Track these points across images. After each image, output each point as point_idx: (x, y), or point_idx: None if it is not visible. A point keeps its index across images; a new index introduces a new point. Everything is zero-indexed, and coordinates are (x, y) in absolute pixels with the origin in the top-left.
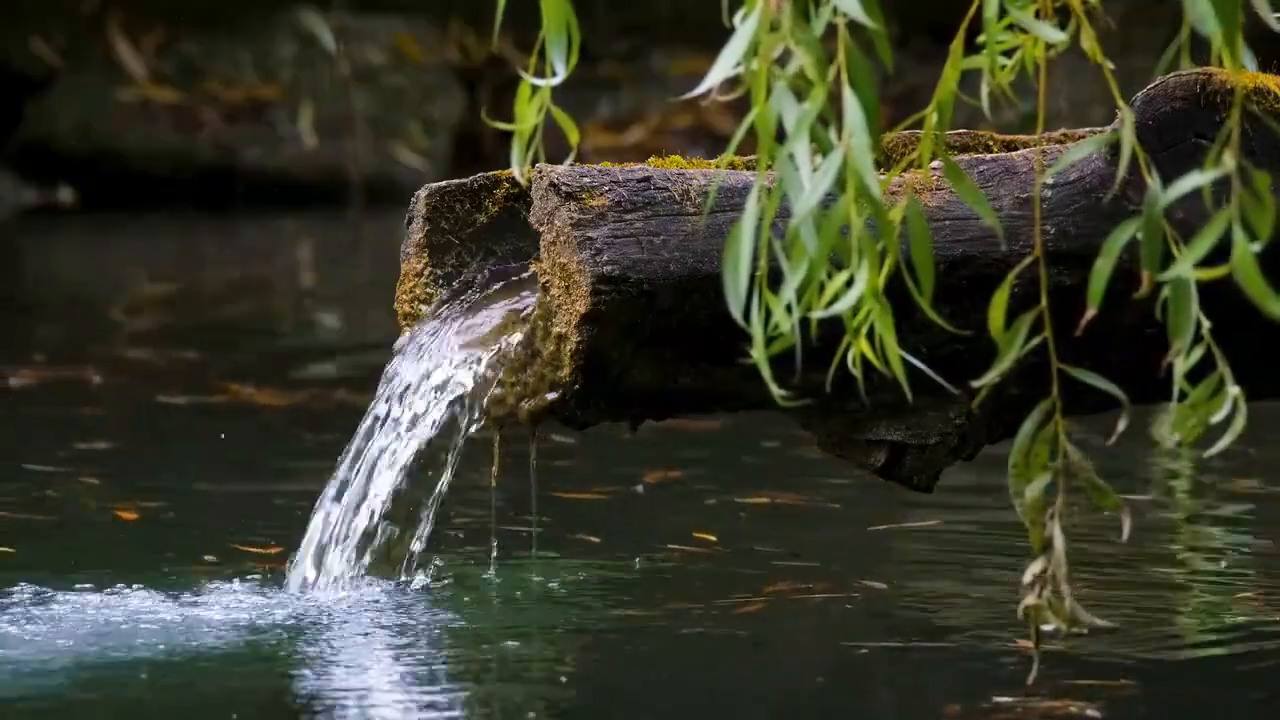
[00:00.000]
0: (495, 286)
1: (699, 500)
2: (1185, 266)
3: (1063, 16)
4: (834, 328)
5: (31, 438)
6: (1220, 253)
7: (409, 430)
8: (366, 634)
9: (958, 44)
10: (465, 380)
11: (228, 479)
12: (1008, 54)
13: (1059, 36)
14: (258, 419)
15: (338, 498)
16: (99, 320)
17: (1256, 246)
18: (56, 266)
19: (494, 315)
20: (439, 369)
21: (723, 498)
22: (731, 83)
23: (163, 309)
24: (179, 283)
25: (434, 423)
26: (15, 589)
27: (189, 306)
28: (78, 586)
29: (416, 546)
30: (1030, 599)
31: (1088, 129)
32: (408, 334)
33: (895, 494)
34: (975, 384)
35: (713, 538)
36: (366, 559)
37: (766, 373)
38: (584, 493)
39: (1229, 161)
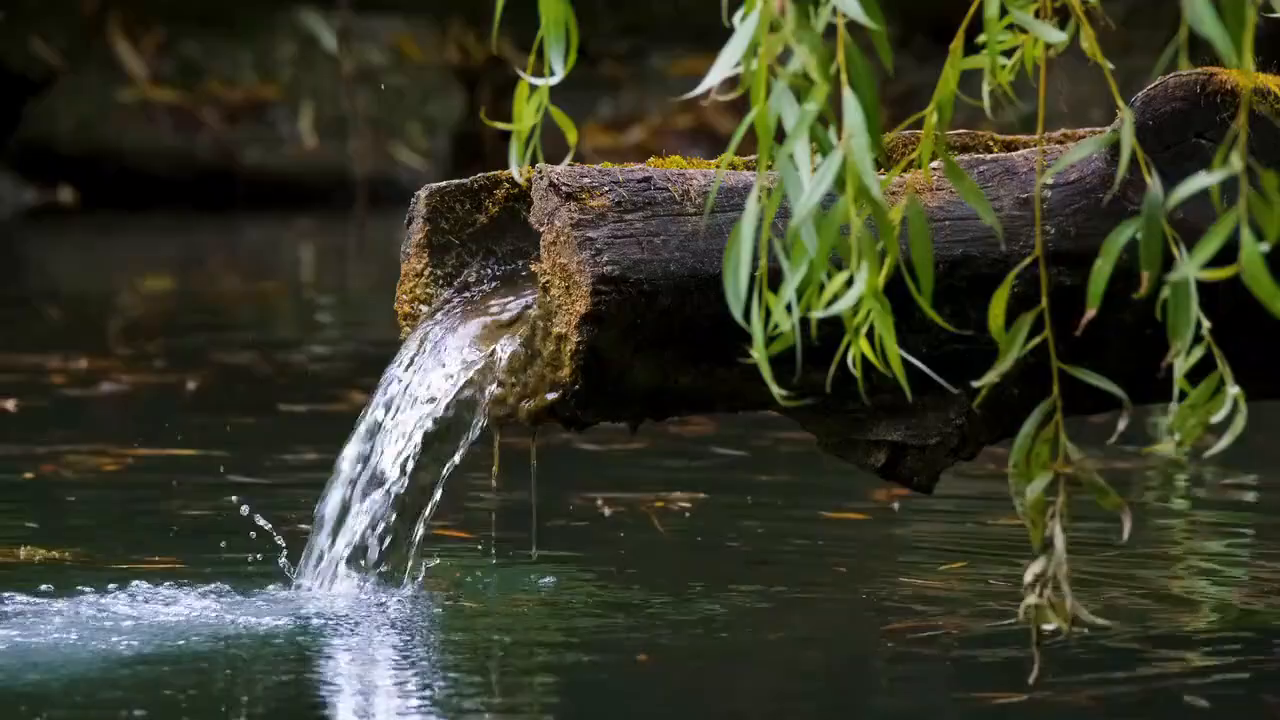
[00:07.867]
0: (495, 286)
1: (950, 521)
2: (1193, 268)
3: (1063, 16)
4: (834, 327)
5: (213, 448)
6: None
7: (409, 430)
8: (366, 633)
9: (957, 44)
10: (464, 381)
11: (482, 483)
12: (1008, 54)
13: (1059, 36)
14: None
15: (340, 496)
16: (142, 323)
17: (1265, 247)
18: (62, 267)
19: (493, 316)
20: (439, 369)
21: (976, 519)
22: (731, 83)
23: (204, 313)
24: (195, 285)
25: (434, 423)
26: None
27: (222, 308)
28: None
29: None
30: (1031, 598)
31: (1088, 129)
32: (408, 334)
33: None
34: (975, 384)
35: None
36: (367, 559)
37: (767, 372)
38: (841, 511)
39: (1236, 162)
